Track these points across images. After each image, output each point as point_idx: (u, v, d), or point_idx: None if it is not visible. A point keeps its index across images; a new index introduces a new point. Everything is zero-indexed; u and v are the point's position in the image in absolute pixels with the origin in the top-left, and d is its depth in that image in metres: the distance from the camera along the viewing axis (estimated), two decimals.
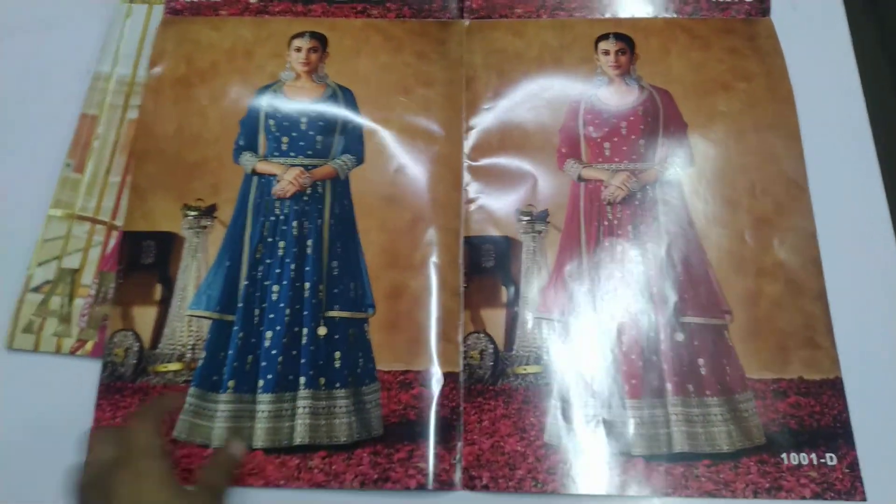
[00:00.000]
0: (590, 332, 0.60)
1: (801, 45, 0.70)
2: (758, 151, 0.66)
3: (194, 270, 0.61)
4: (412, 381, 0.58)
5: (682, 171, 0.65)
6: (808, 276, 0.61)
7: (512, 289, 0.61)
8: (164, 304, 0.60)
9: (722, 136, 0.66)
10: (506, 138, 0.67)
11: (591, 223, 0.64)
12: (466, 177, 0.65)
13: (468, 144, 0.66)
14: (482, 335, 0.59)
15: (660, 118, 0.67)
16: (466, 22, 0.72)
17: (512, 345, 0.59)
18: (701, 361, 0.59)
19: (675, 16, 0.72)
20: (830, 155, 0.66)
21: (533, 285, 0.61)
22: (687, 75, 0.69)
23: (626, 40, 0.70)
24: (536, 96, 0.68)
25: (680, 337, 0.60)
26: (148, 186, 0.64)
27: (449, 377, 0.58)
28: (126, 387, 0.58)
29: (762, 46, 0.70)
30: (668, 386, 0.58)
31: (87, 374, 0.59)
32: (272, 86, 0.68)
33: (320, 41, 0.70)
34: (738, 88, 0.68)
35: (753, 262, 0.62)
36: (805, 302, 0.61)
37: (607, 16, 0.72)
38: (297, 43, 0.70)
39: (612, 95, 0.68)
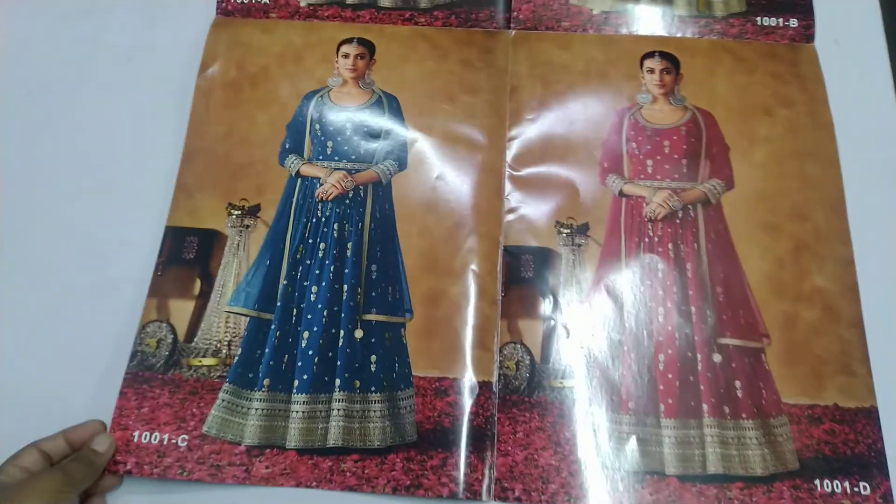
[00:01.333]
0: (627, 348, 0.60)
1: (841, 76, 0.71)
2: (798, 177, 0.66)
3: (235, 267, 0.62)
4: (447, 388, 0.58)
5: (723, 192, 0.65)
6: (845, 302, 0.61)
7: (550, 300, 0.61)
8: (203, 298, 0.61)
9: (763, 160, 0.67)
10: (548, 149, 0.67)
11: (631, 239, 0.64)
12: (508, 186, 0.66)
13: (510, 154, 0.67)
14: (519, 346, 0.60)
15: (703, 139, 0.67)
16: (513, 32, 0.73)
17: (548, 357, 0.59)
18: (738, 384, 0.59)
19: (720, 37, 0.73)
20: (867, 184, 0.66)
21: (571, 298, 0.62)
22: (731, 98, 0.69)
23: (671, 59, 0.71)
24: (580, 109, 0.69)
25: (717, 358, 0.60)
26: (195, 184, 0.64)
27: (484, 386, 0.58)
28: (156, 377, 0.58)
29: (805, 73, 0.71)
30: (705, 407, 0.58)
31: (110, 362, 0.59)
32: (320, 91, 0.69)
33: (368, 48, 0.71)
34: (780, 114, 0.68)
35: (792, 287, 0.62)
36: (842, 328, 0.61)
37: (653, 33, 0.73)
38: (344, 49, 0.70)
39: (655, 113, 0.69)
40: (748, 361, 0.60)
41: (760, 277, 0.62)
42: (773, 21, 0.74)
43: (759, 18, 0.74)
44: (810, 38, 0.73)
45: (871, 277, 0.62)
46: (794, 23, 0.73)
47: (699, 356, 0.60)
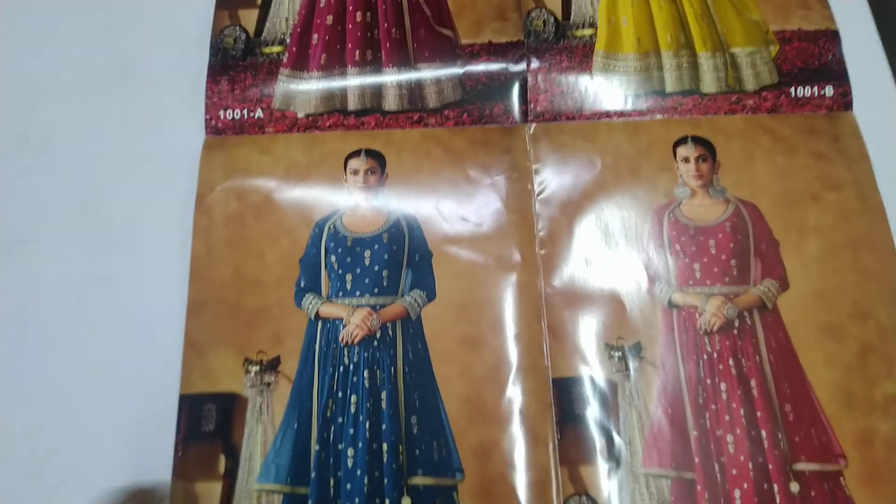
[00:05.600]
0: (701, 488, 0.57)
1: (887, 145, 0.69)
2: (855, 269, 0.64)
3: (260, 436, 0.58)
4: None
5: (778, 294, 0.63)
6: None
7: (611, 439, 0.59)
8: (230, 477, 0.57)
9: (816, 254, 0.64)
10: (585, 259, 0.64)
11: (689, 359, 0.61)
12: (547, 306, 0.62)
13: (546, 270, 0.64)
14: (584, 498, 0.57)
15: (750, 235, 0.65)
16: (531, 127, 0.69)
17: None
18: None
19: (754, 114, 0.70)
20: None
21: (634, 434, 0.59)
22: (773, 185, 0.67)
23: (706, 145, 0.68)
24: (615, 211, 0.66)
25: (795, 488, 0.57)
26: (206, 341, 0.60)
27: None
28: None
29: (847, 148, 0.69)
30: None
31: None
32: (331, 217, 0.65)
33: (378, 160, 0.67)
34: (827, 199, 0.66)
35: (863, 397, 0.60)
36: None
37: (683, 116, 0.70)
38: (353, 164, 0.66)
39: (696, 209, 0.66)
40: (828, 488, 0.57)
41: (829, 388, 0.60)
42: (807, 91, 0.71)
43: (792, 89, 0.71)
44: (848, 105, 0.71)
45: None
46: (829, 91, 0.71)
47: (776, 487, 0.57)
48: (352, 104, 0.69)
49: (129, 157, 0.68)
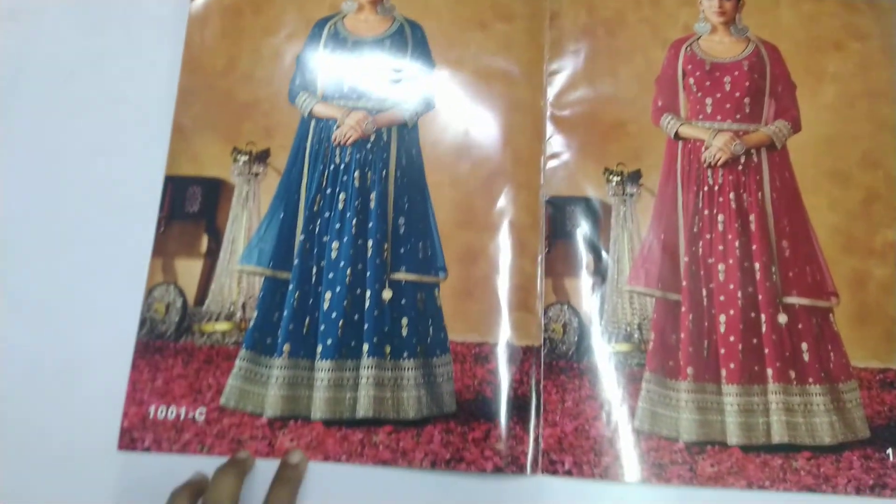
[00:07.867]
0: (685, 309, 0.58)
1: None
2: (869, 119, 0.63)
3: (245, 221, 0.59)
4: (488, 354, 0.56)
5: (789, 135, 0.63)
6: None
7: (598, 257, 0.59)
8: (212, 256, 0.58)
9: (832, 101, 0.64)
10: (594, 86, 0.64)
11: (688, 188, 0.61)
12: (549, 128, 0.62)
13: (552, 91, 0.63)
14: (565, 307, 0.58)
15: (767, 76, 0.64)
16: None
17: (598, 319, 0.57)
18: (804, 346, 0.58)
19: None
20: None
21: (623, 255, 0.59)
22: (797, 30, 0.66)
23: None
24: (630, 40, 0.65)
25: (783, 319, 0.58)
26: (194, 127, 0.61)
27: (528, 351, 0.56)
28: (167, 346, 0.56)
29: (878, 0, 0.67)
30: (769, 371, 0.57)
31: (121, 332, 0.57)
32: (332, 17, 0.64)
33: None
34: (850, 49, 0.65)
35: (863, 242, 0.60)
36: None
37: None
38: None
39: (715, 45, 0.65)
40: (815, 322, 0.58)
41: (829, 231, 0.60)
42: None
43: None
44: None
45: None
46: None
47: (763, 317, 0.58)
48: None
49: None
